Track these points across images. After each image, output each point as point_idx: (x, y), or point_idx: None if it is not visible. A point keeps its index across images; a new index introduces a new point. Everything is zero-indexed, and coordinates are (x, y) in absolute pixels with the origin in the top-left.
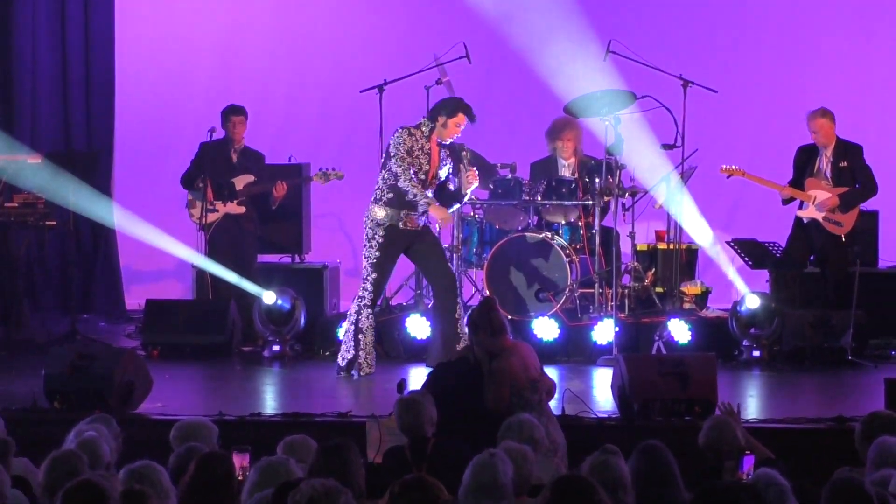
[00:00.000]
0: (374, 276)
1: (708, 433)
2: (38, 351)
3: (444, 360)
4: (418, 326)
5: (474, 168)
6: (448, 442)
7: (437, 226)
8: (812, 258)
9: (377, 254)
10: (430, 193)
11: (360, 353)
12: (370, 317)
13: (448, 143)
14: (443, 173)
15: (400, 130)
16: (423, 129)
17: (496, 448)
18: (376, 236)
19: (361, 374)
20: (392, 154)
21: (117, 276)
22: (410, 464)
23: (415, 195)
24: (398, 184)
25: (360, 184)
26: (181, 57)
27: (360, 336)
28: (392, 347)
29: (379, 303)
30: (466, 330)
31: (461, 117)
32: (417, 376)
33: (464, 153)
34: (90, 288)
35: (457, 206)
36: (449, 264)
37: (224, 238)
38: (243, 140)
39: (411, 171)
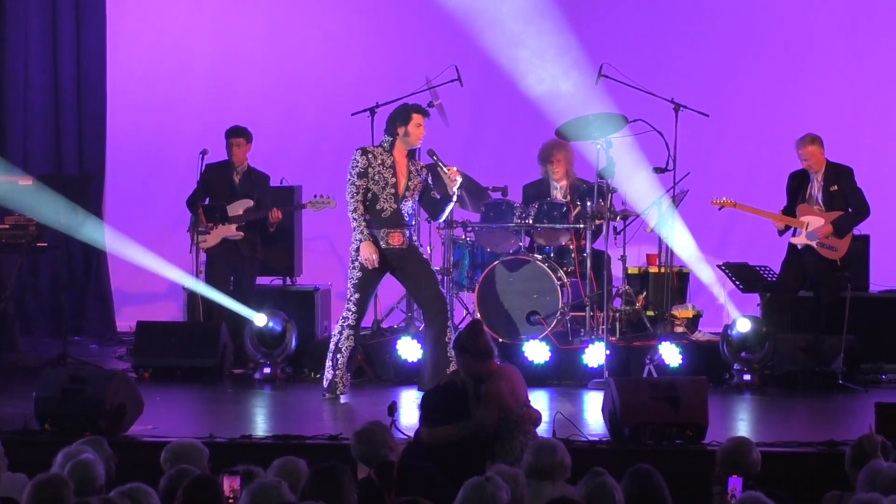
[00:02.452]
0: (356, 296)
1: (726, 449)
2: (30, 373)
3: (433, 386)
4: (409, 349)
5: (452, 166)
6: (414, 465)
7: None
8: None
9: (359, 274)
10: (410, 206)
11: (337, 372)
12: (350, 337)
13: (417, 148)
14: (413, 184)
15: (355, 152)
16: (384, 144)
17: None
18: (359, 257)
19: (338, 393)
20: (347, 177)
21: (109, 298)
22: (381, 490)
23: (353, 220)
24: (364, 205)
25: None
26: (173, 80)
27: (337, 356)
28: (383, 370)
29: (369, 325)
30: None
31: (417, 118)
32: (408, 399)
33: (435, 157)
34: (81, 310)
35: (450, 206)
36: (439, 287)
37: (222, 263)
38: (246, 161)
39: (359, 196)
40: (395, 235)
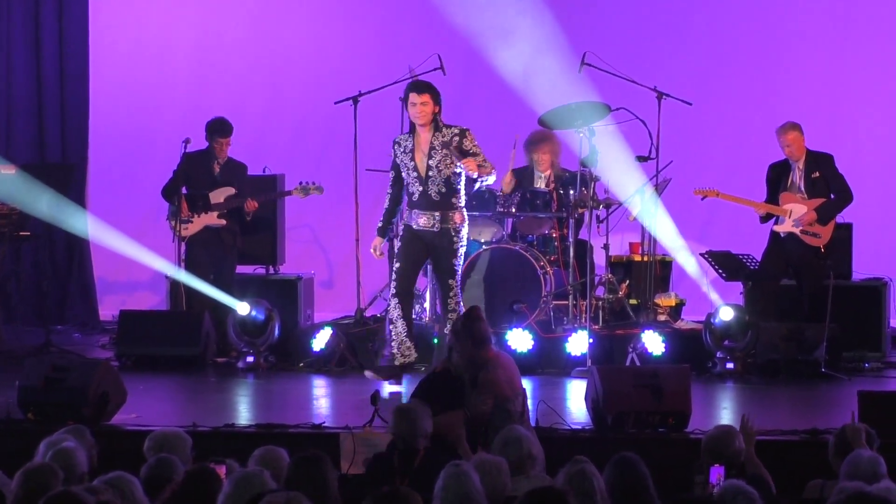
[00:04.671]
0: (396, 265)
1: (711, 438)
2: (13, 362)
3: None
4: None
5: (469, 159)
6: (439, 456)
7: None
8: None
9: (398, 244)
10: (440, 183)
11: (392, 343)
12: (397, 306)
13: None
14: (437, 160)
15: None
16: (411, 128)
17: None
18: (401, 230)
19: (395, 363)
20: None
21: (91, 287)
22: (396, 472)
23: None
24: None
25: (334, 194)
26: (156, 68)
27: (390, 327)
28: (367, 359)
29: (352, 313)
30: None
31: (410, 97)
32: (392, 388)
33: (450, 150)
34: (64, 299)
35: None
36: (452, 276)
37: (202, 250)
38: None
39: (390, 188)
40: (422, 217)
